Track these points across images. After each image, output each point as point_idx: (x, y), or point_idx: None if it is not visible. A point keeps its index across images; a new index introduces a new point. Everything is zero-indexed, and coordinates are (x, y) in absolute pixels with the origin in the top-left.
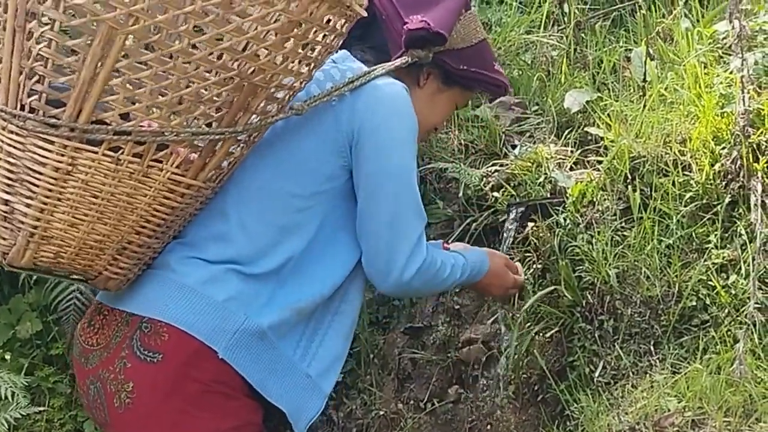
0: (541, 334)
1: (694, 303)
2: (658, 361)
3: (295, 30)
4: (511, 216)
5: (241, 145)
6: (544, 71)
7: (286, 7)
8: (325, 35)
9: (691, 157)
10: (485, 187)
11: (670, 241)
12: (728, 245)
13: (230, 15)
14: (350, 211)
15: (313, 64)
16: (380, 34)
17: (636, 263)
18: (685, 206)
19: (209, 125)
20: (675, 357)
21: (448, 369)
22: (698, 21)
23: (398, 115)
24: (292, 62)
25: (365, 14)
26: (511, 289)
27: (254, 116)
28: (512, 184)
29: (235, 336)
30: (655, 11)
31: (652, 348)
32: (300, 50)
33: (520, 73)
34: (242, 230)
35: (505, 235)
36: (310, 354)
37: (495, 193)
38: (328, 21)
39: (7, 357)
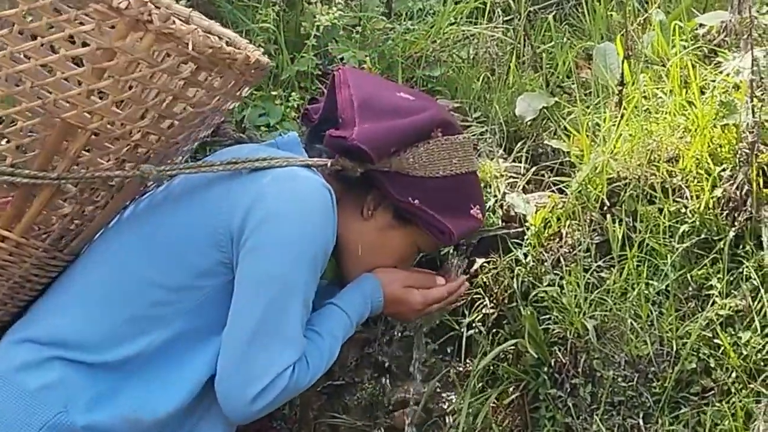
0: (497, 400)
1: (695, 365)
2: None
3: (113, 61)
4: (460, 249)
5: (71, 200)
6: (488, 70)
7: (96, 31)
8: (175, 82)
9: (683, 179)
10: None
11: (662, 286)
12: (734, 292)
13: (25, 30)
14: None
15: (173, 121)
16: None
17: (619, 313)
18: (679, 242)
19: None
20: None
21: None
22: (666, 15)
23: (300, 212)
24: (127, 107)
25: (201, 56)
26: (426, 308)
27: (80, 166)
28: None
29: None
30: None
31: (641, 422)
32: (126, 88)
33: (458, 71)
34: (82, 310)
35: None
36: None
37: None
38: (163, 59)
39: None
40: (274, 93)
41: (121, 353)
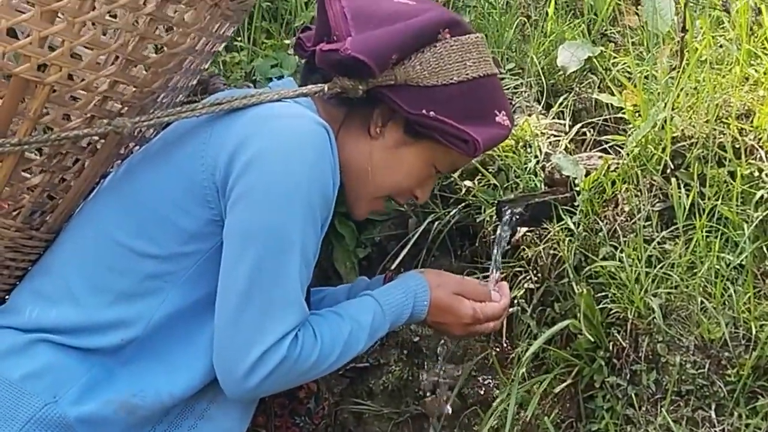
0: (546, 388)
1: None
2: None
3: (64, 0)
4: (505, 218)
5: (40, 169)
6: (523, 16)
7: None
8: (139, 19)
9: (756, 138)
10: (452, 173)
11: (736, 260)
12: None
13: None
14: None
15: (144, 66)
16: None
17: (686, 290)
18: (754, 210)
19: None
20: (749, 430)
21: (404, 426)
22: None
23: (289, 149)
24: (88, 53)
25: None
26: (475, 324)
27: (44, 128)
28: (491, 170)
29: (25, 427)
30: None
31: (713, 414)
32: (84, 32)
33: (488, 17)
34: (66, 293)
35: (496, 247)
36: None
37: (466, 182)
38: None
39: None
40: (286, 41)
41: (116, 338)
